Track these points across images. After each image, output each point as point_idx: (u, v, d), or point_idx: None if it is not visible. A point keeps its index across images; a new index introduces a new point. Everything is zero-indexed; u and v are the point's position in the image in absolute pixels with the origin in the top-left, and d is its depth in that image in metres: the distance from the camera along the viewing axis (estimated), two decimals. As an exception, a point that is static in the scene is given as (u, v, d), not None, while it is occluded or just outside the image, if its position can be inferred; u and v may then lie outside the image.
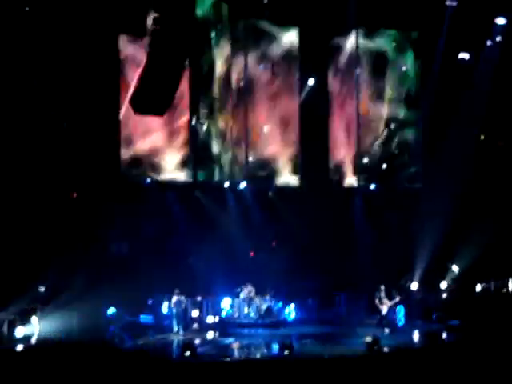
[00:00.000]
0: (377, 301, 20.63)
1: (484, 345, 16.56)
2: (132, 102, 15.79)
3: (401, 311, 21.69)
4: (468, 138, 25.62)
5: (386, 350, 17.35)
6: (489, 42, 24.63)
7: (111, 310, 19.80)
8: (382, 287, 20.60)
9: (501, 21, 23.67)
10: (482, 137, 27.52)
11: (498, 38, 24.35)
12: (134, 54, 21.94)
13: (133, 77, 21.21)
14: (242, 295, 21.76)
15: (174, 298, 20.54)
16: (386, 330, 20.00)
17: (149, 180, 22.75)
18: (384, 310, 20.45)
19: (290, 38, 24.08)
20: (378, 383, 14.77)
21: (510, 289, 22.48)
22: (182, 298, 20.64)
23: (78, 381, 11.78)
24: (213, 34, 22.67)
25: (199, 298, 21.50)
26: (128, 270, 23.28)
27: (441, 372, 15.02)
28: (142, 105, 15.77)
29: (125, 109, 21.45)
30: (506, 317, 19.17)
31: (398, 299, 20.51)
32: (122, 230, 24.49)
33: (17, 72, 21.14)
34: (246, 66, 23.32)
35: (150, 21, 15.89)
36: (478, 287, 23.07)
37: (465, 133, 25.51)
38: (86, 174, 24.62)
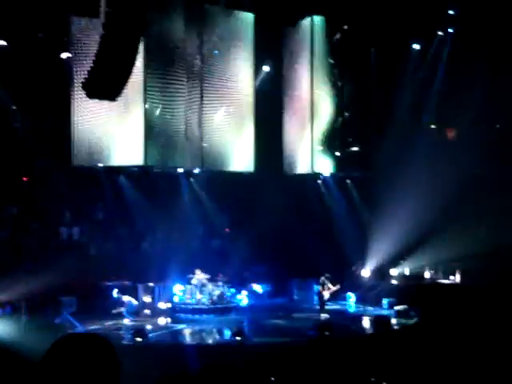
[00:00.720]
0: (320, 287, 20.91)
1: (434, 330, 16.92)
2: (85, 86, 15.56)
3: (351, 297, 22.02)
4: (418, 126, 26.02)
5: (336, 335, 17.60)
6: (440, 33, 24.95)
7: (62, 296, 19.56)
8: (327, 274, 20.87)
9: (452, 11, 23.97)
10: (433, 126, 27.96)
11: (450, 30, 24.69)
12: (84, 37, 21.58)
13: (83, 60, 20.99)
14: (193, 281, 21.74)
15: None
16: (324, 316, 20.30)
17: (101, 165, 22.46)
18: (326, 295, 20.75)
19: (245, 22, 23.99)
20: (328, 369, 14.94)
21: (456, 277, 22.93)
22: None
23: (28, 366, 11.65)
24: (167, 17, 22.42)
25: (151, 284, 21.40)
26: (80, 254, 23.08)
27: (390, 358, 15.29)
28: (96, 89, 15.57)
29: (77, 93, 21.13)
30: (453, 303, 19.58)
31: (339, 286, 20.81)
32: (73, 214, 24.25)
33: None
34: (200, 50, 23.15)
35: (102, 2, 15.62)
36: (427, 274, 23.49)
37: (415, 121, 25.90)
38: (37, 158, 24.30)
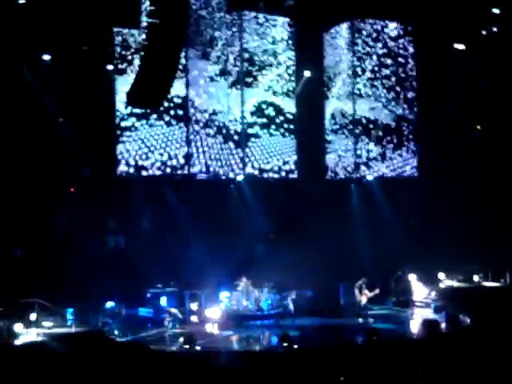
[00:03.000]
0: (356, 291, 20.69)
1: (485, 334, 16.63)
2: (129, 96, 15.79)
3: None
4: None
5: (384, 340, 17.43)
6: (484, 32, 24.63)
7: (109, 303, 19.79)
8: (364, 278, 20.65)
9: (496, 11, 23.65)
10: (479, 127, 27.60)
11: (494, 29, 24.35)
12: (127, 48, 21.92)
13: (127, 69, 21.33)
14: (239, 287, 21.77)
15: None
16: (361, 321, 20.12)
17: (146, 173, 22.72)
18: (363, 300, 20.52)
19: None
20: (376, 373, 14.82)
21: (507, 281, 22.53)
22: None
23: (74, 371, 11.83)
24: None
25: (197, 291, 21.49)
26: (126, 262, 23.33)
27: (439, 362, 15.07)
28: (139, 99, 15.78)
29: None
30: (504, 307, 19.23)
31: (377, 291, 20.54)
32: (120, 222, 24.52)
33: (10, 65, 21.14)
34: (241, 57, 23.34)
35: (144, 12, 15.87)
36: (476, 278, 23.12)
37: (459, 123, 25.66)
38: (83, 168, 24.67)
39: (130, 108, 21.74)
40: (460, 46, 24.53)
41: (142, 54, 15.35)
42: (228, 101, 23.56)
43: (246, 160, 23.96)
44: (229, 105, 23.59)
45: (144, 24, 15.79)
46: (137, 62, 21.14)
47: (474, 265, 23.25)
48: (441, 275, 23.23)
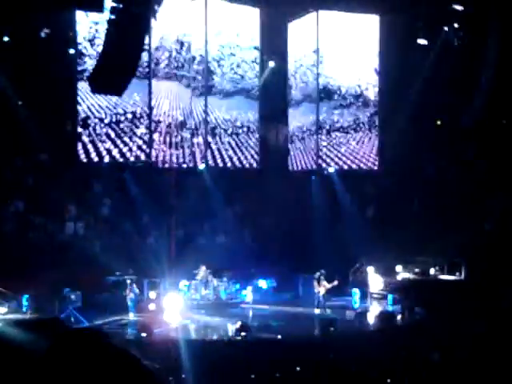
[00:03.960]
0: (315, 282, 20.82)
1: (438, 326, 16.90)
2: (91, 81, 15.57)
3: (356, 294, 21.96)
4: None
5: (340, 331, 17.61)
6: (446, 28, 24.90)
7: (67, 290, 19.58)
8: (322, 270, 20.76)
9: (459, 7, 23.89)
10: (439, 122, 28.01)
11: (456, 25, 24.62)
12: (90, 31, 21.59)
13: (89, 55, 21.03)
14: (198, 277, 21.75)
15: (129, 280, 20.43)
16: (318, 311, 20.31)
17: (106, 161, 22.50)
18: (321, 291, 20.66)
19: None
20: (332, 364, 14.96)
21: (462, 275, 22.90)
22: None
23: (29, 357, 11.66)
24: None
25: (156, 280, 21.43)
26: (86, 249, 23.12)
27: (395, 354, 15.28)
28: (101, 84, 15.57)
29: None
30: (457, 300, 19.56)
31: (336, 283, 20.69)
32: (79, 210, 24.29)
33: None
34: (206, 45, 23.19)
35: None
36: (432, 271, 23.45)
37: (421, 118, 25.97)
38: (42, 154, 24.37)
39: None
40: (423, 42, 24.77)
41: (105, 37, 15.10)
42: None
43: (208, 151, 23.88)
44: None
45: (107, 7, 15.58)
46: (99, 45, 20.90)
47: (430, 257, 23.58)
48: (398, 268, 23.52)
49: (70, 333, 1.88)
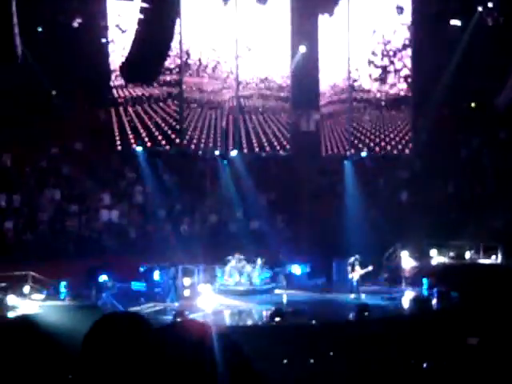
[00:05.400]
0: (349, 268, 20.75)
1: (474, 312, 16.76)
2: (122, 70, 15.66)
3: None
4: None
5: (375, 316, 17.58)
6: (480, 8, 24.49)
7: (103, 278, 19.84)
8: (356, 255, 20.66)
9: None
10: (473, 104, 27.67)
11: (490, 4, 24.21)
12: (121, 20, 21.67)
13: (121, 43, 21.12)
14: (232, 263, 21.85)
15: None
16: (352, 296, 20.26)
17: (139, 148, 22.69)
18: (355, 277, 20.58)
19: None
20: (368, 349, 14.95)
21: (498, 259, 22.65)
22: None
23: (68, 343, 11.87)
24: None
25: (191, 266, 21.57)
26: (119, 237, 23.38)
27: (429, 338, 15.21)
28: (133, 73, 15.66)
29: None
30: (493, 284, 19.36)
31: (370, 268, 20.58)
32: (113, 198, 24.55)
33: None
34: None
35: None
36: (467, 255, 23.24)
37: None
38: (77, 142, 24.64)
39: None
40: (456, 22, 24.43)
41: (136, 26, 15.16)
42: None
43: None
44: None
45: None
46: (131, 35, 20.98)
47: (465, 241, 23.36)
48: (432, 252, 23.35)
49: (109, 316, 1.90)
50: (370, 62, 24.77)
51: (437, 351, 14.13)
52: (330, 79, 25.40)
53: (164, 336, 1.86)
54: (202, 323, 1.91)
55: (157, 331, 1.87)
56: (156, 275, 20.80)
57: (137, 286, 21.34)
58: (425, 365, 13.26)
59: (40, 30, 21.81)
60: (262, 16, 23.60)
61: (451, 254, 23.45)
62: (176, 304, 19.20)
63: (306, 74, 25.12)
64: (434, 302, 19.27)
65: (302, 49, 25.01)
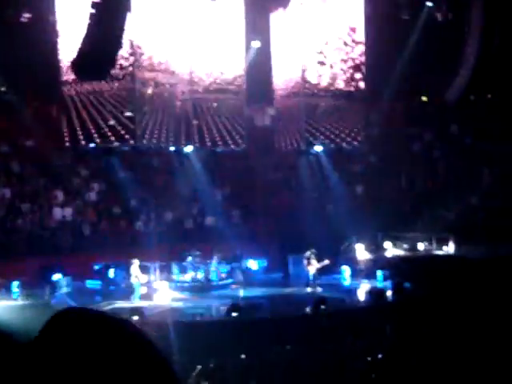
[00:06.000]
0: (305, 261, 20.83)
1: (429, 303, 17.00)
2: (74, 66, 15.45)
3: (346, 271, 22.07)
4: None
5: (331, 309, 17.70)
6: (429, 4, 24.87)
7: (56, 276, 19.54)
8: (312, 249, 20.72)
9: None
10: (424, 98, 28.08)
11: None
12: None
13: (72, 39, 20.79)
14: (189, 259, 21.76)
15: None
16: (309, 290, 20.38)
17: (93, 145, 22.42)
18: (311, 271, 20.67)
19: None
20: (325, 341, 15.06)
21: (450, 249, 23.04)
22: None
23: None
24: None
25: (147, 263, 21.40)
26: (73, 235, 23.06)
27: (385, 330, 15.39)
28: (85, 70, 15.47)
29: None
30: (448, 277, 19.67)
31: (326, 262, 20.68)
32: (67, 194, 24.20)
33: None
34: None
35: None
36: (420, 247, 23.57)
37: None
38: (28, 139, 24.20)
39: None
40: (406, 17, 24.77)
41: (88, 22, 14.98)
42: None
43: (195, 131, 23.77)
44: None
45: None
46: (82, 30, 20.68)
47: (418, 233, 23.71)
48: (387, 244, 23.64)
49: (63, 313, 1.82)
50: (323, 57, 24.91)
51: (392, 342, 14.32)
52: (283, 74, 25.46)
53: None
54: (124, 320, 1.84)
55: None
56: (111, 273, 20.58)
57: (91, 284, 21.10)
58: (379, 356, 13.43)
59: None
60: (216, 10, 23.51)
61: (405, 245, 23.79)
62: (135, 302, 19.00)
63: (259, 68, 25.14)
64: (389, 293, 19.50)
65: (256, 44, 25.02)
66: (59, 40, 21.43)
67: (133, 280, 19.28)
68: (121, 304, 19.15)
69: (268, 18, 25.01)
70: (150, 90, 22.10)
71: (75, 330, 1.79)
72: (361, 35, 25.00)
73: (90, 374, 1.63)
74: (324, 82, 25.02)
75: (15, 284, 18.23)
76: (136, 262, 19.28)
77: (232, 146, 24.55)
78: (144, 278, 20.64)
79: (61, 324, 1.83)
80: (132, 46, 21.67)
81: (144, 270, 20.96)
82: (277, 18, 25.03)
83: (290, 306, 19.23)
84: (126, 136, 22.09)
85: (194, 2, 22.93)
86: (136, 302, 18.77)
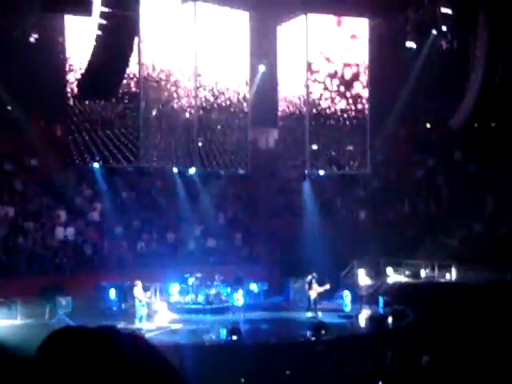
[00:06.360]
0: (306, 286, 20.77)
1: (431, 330, 16.92)
2: (80, 86, 15.56)
3: (347, 296, 21.96)
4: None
5: (332, 334, 17.60)
6: (434, 31, 24.97)
7: (57, 296, 19.46)
8: (314, 274, 20.68)
9: (446, 10, 23.92)
10: (428, 124, 28.16)
11: (444, 28, 24.69)
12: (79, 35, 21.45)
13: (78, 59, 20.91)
14: (190, 281, 21.71)
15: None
16: (310, 315, 20.27)
17: (96, 165, 22.46)
18: (312, 295, 20.60)
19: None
20: (325, 367, 14.97)
21: (452, 277, 22.96)
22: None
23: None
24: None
25: (148, 284, 21.34)
26: (75, 254, 23.04)
27: (387, 356, 15.30)
28: (91, 89, 15.56)
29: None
30: (450, 303, 19.59)
31: (327, 286, 20.61)
32: (70, 214, 24.22)
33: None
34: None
35: (96, 1, 15.59)
36: (423, 273, 23.50)
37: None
38: (31, 158, 24.27)
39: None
40: (411, 45, 24.85)
41: (95, 42, 15.09)
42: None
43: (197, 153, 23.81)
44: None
45: (96, 12, 15.51)
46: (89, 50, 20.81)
47: (420, 260, 23.64)
48: (389, 270, 23.55)
49: (61, 332, 1.82)
50: (328, 80, 24.99)
51: (393, 369, 14.22)
52: (288, 97, 25.53)
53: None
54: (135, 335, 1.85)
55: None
56: (112, 293, 20.51)
57: (92, 304, 20.99)
58: (380, 382, 13.34)
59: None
60: (222, 31, 23.65)
61: (407, 272, 23.70)
62: (138, 324, 18.88)
63: (264, 91, 25.25)
64: (390, 320, 19.39)
65: (262, 68, 25.16)
66: (67, 60, 21.59)
67: (136, 303, 19.19)
68: (121, 325, 19.06)
69: (274, 40, 25.14)
70: (154, 111, 22.18)
71: (72, 348, 1.78)
72: (366, 60, 25.10)
73: None
74: (328, 107, 25.06)
75: (16, 303, 18.20)
76: (139, 284, 19.21)
77: (236, 169, 24.58)
78: (146, 299, 20.57)
79: (58, 343, 1.82)
80: (139, 65, 21.87)
81: (145, 290, 20.90)
82: (282, 38, 25.14)
83: (290, 330, 19.14)
84: (130, 157, 22.13)
85: (200, 25, 23.07)
86: (138, 324, 18.68)
